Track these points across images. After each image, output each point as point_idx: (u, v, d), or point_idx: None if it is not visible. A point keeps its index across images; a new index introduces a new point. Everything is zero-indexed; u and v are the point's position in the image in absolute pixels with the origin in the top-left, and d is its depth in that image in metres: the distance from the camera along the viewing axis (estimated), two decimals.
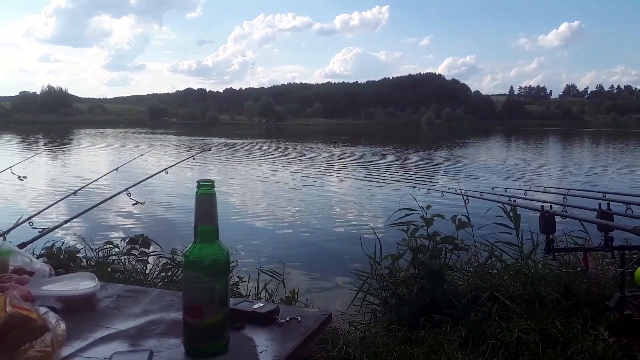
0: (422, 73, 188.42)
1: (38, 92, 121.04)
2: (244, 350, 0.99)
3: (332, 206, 9.58)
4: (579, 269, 2.97)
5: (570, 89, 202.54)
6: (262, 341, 1.03)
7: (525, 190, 4.23)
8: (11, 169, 3.75)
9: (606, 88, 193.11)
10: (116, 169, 3.93)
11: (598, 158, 24.62)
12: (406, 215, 3.29)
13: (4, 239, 2.11)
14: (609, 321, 2.59)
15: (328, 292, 4.51)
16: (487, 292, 2.90)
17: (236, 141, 34.41)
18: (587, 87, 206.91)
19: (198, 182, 0.96)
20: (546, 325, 2.54)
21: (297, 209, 9.24)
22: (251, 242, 6.35)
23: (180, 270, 3.21)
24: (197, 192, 0.96)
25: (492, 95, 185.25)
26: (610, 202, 2.78)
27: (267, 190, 11.85)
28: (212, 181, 0.97)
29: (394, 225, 3.28)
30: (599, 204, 2.74)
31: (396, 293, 2.99)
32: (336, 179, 14.33)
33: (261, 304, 1.16)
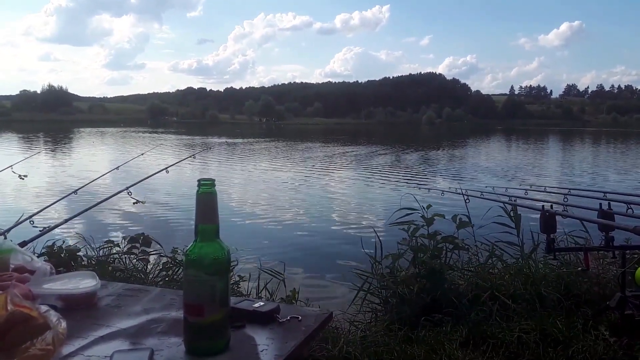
0: (422, 72, 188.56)
1: (38, 91, 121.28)
2: (245, 349, 0.99)
3: (332, 205, 9.59)
4: (579, 268, 2.97)
5: (571, 89, 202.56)
6: (263, 340, 1.03)
7: (526, 189, 4.22)
8: (12, 168, 3.74)
9: (607, 88, 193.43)
10: (117, 168, 3.93)
11: (599, 158, 24.60)
12: (407, 214, 3.28)
13: (5, 238, 2.11)
14: (610, 321, 2.59)
15: (329, 291, 4.51)
16: (488, 291, 2.90)
17: (237, 140, 34.41)
18: (588, 87, 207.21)
19: (199, 180, 0.96)
20: (547, 325, 2.53)
21: (297, 208, 9.24)
22: (252, 241, 6.34)
23: (180, 269, 3.21)
24: (197, 190, 0.95)
25: (492, 94, 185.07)
26: (611, 202, 2.77)
27: (267, 189, 11.85)
28: (213, 180, 0.97)
29: (394, 224, 3.28)
30: (600, 203, 2.73)
31: (397, 292, 2.99)
32: (337, 178, 14.33)
33: (262, 303, 1.16)
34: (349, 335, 2.65)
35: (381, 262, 3.25)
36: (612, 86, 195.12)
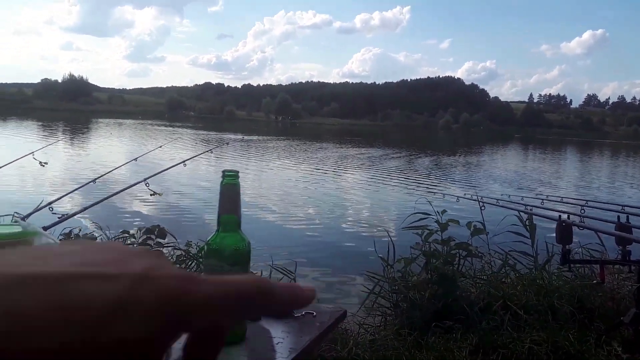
0: (441, 76, 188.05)
1: (59, 80, 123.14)
2: (261, 340, 1.00)
3: (346, 206, 9.58)
4: (594, 281, 2.93)
5: (591, 99, 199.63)
6: (278, 333, 1.04)
7: (542, 199, 4.18)
8: (33, 155, 3.82)
9: (628, 99, 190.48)
10: (135, 159, 3.98)
11: (618, 171, 24.21)
12: (421, 219, 3.28)
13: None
14: (623, 337, 2.55)
15: (339, 292, 4.51)
16: (500, 300, 2.88)
17: (252, 137, 34.57)
18: (609, 98, 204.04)
19: (223, 171, 0.96)
20: (559, 338, 2.51)
21: (310, 207, 9.26)
22: (263, 239, 6.36)
23: (194, 262, 3.24)
24: (222, 181, 0.96)
25: (511, 102, 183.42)
26: (630, 215, 2.73)
27: (281, 187, 11.88)
28: (237, 172, 0.97)
29: (408, 228, 3.28)
30: (618, 216, 2.69)
31: (408, 297, 2.98)
32: (351, 179, 14.32)
33: None
34: (358, 337, 2.66)
35: (393, 266, 3.25)
36: (634, 98, 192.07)
